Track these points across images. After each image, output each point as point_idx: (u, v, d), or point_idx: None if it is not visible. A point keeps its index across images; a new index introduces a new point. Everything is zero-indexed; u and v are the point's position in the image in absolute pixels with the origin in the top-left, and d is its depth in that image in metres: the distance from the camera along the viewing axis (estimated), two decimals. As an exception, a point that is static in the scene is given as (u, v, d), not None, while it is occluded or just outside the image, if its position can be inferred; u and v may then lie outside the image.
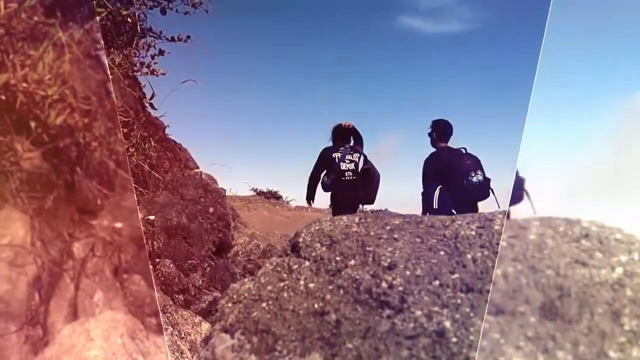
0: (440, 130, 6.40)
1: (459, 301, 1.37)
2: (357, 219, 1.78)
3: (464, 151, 6.35)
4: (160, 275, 4.32)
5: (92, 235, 3.15)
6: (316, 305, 1.49)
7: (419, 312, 1.36)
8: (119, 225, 3.79)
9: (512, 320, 1.30)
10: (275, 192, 13.74)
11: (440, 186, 6.12)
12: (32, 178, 2.75)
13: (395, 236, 1.63)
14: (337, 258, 1.61)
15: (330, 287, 1.53)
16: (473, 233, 1.56)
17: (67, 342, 2.60)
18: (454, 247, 1.53)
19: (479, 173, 6.13)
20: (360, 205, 7.32)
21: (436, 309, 1.36)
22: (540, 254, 1.43)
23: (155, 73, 5.41)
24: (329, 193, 7.27)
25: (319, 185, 7.34)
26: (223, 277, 5.09)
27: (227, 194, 6.75)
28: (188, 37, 5.70)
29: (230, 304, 1.65)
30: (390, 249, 1.57)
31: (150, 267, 4.18)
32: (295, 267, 1.67)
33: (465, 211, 5.29)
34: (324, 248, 1.68)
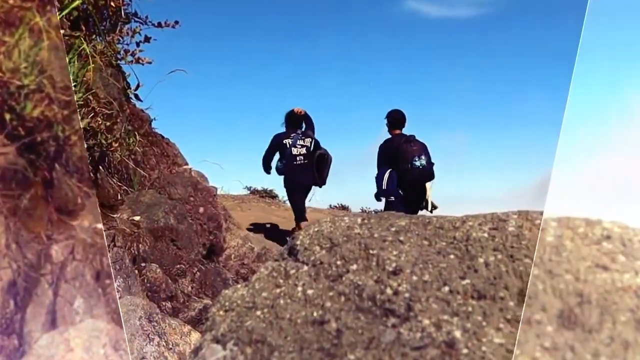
0: (393, 120, 8.16)
1: (470, 309, 1.36)
2: (359, 220, 1.77)
3: (412, 137, 7.92)
4: (146, 280, 4.32)
5: (73, 237, 3.16)
6: (315, 314, 1.48)
7: (426, 321, 1.36)
8: (99, 226, 3.86)
9: (527, 329, 1.29)
10: (271, 191, 13.72)
11: (391, 169, 7.77)
12: (6, 175, 2.77)
13: (401, 238, 1.62)
14: (338, 262, 1.61)
15: (331, 293, 1.53)
16: (485, 235, 1.56)
17: (45, 353, 2.63)
18: (465, 250, 1.53)
19: (423, 158, 7.72)
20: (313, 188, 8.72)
21: (445, 317, 1.36)
22: (558, 257, 1.43)
23: (140, 62, 5.40)
24: (283, 176, 8.60)
25: (274, 170, 8.71)
26: (214, 282, 5.09)
27: (218, 192, 6.79)
28: (176, 22, 5.71)
29: (221, 312, 1.64)
30: (395, 253, 1.57)
31: (136, 272, 4.18)
32: (292, 272, 1.66)
33: (412, 191, 7.03)
34: (323, 251, 1.67)
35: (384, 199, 8.06)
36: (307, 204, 9.09)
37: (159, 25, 5.62)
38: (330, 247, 1.67)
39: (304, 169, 8.47)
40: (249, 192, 13.90)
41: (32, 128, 3.25)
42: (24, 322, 2.81)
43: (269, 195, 13.50)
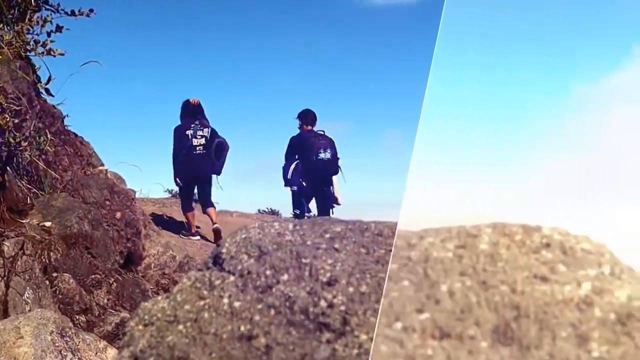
0: (304, 119, 9.16)
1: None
2: (290, 226, 1.74)
3: (321, 133, 9.05)
4: (58, 292, 4.22)
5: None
6: (242, 328, 1.45)
7: (364, 336, 1.34)
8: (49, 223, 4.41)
9: (459, 346, 1.28)
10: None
11: (297, 161, 8.76)
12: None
13: (337, 246, 1.60)
14: (268, 272, 1.58)
15: (259, 306, 1.49)
16: (438, 243, 1.55)
17: (-2, 340, 2.96)
18: (407, 258, 1.52)
19: (328, 151, 8.78)
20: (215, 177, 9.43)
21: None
22: (493, 267, 1.42)
23: (52, 53, 5.30)
24: (179, 167, 9.20)
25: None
26: (132, 294, 5.04)
27: (137, 196, 6.73)
28: (91, 10, 5.64)
29: (140, 327, 1.60)
30: (330, 261, 1.55)
31: (47, 282, 4.08)
32: (217, 282, 1.62)
33: (316, 182, 8.13)
34: (251, 260, 1.64)
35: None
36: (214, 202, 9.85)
37: (72, 13, 5.55)
38: (259, 255, 1.64)
39: (203, 159, 9.11)
40: (170, 195, 13.71)
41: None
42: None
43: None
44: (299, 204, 8.90)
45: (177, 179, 9.41)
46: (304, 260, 1.57)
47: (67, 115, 6.29)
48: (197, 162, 9.10)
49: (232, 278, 1.61)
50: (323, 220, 1.76)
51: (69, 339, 3.41)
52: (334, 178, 8.96)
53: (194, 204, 9.85)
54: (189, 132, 9.08)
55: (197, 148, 9.06)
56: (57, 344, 3.25)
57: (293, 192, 8.87)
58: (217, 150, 9.21)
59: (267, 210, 15.26)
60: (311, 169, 8.70)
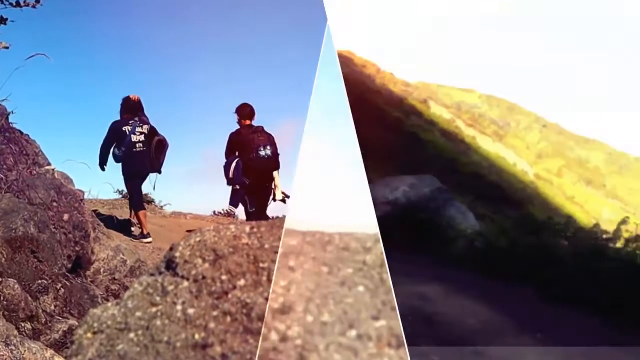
0: (242, 112, 9.29)
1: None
2: (247, 229, 1.74)
3: (260, 128, 9.16)
4: (2, 298, 4.15)
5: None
6: (197, 336, 1.44)
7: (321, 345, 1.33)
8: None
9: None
10: (146, 195, 13.46)
11: (238, 159, 8.90)
12: None
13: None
14: (223, 277, 1.57)
15: (215, 313, 1.49)
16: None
17: None
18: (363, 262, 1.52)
19: (268, 148, 8.96)
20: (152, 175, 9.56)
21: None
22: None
23: None
24: (120, 164, 9.32)
25: (110, 157, 9.33)
26: (81, 300, 4.98)
27: (86, 196, 6.65)
28: (37, 1, 5.58)
29: (89, 334, 1.59)
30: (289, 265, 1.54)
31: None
32: (170, 288, 1.61)
33: (258, 180, 8.43)
34: (206, 264, 1.63)
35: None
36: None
37: (17, 4, 5.51)
38: (214, 259, 1.63)
39: (143, 156, 9.25)
40: (121, 196, 13.56)
41: None
42: None
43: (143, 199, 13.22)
44: (237, 202, 9.14)
45: (103, 165, 9.45)
46: (261, 265, 1.57)
47: (12, 111, 6.22)
48: (136, 159, 9.21)
49: (185, 283, 1.60)
50: (281, 223, 1.76)
51: (13, 348, 3.37)
52: (275, 174, 9.11)
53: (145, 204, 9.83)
54: (127, 128, 9.18)
55: (137, 145, 9.19)
56: (1, 353, 3.23)
57: (235, 190, 9.08)
58: (157, 148, 9.35)
59: (222, 212, 15.17)
60: (252, 166, 8.89)
